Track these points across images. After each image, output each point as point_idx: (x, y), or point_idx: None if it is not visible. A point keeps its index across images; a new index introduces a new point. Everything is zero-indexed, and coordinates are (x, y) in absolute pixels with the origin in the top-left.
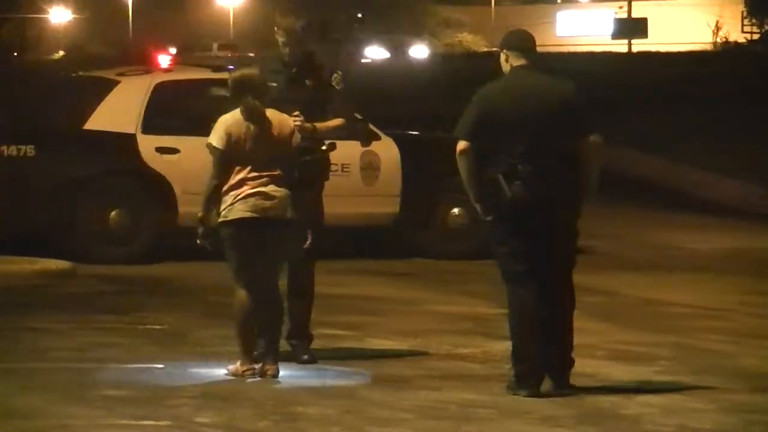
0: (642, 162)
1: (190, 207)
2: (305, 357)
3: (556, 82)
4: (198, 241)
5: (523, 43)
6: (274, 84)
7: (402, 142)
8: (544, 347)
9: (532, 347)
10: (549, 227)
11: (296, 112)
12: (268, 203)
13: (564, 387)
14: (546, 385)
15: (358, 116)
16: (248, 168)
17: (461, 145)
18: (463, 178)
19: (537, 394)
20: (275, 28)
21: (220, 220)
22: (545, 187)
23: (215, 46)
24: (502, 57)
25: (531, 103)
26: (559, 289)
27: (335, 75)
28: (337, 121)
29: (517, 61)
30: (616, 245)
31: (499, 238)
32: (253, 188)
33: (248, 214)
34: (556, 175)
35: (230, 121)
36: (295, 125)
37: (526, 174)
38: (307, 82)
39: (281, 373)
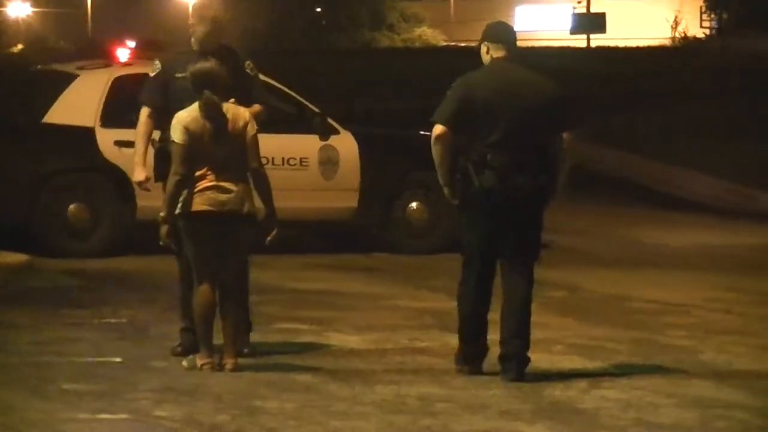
0: (607, 157)
1: (148, 201)
2: (245, 350)
3: (538, 77)
4: (161, 242)
5: (504, 35)
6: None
7: (361, 137)
8: (504, 335)
9: (477, 328)
10: (516, 218)
11: (232, 100)
12: (224, 197)
13: (519, 378)
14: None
15: (316, 109)
16: (206, 165)
17: (438, 129)
18: (436, 162)
19: (479, 371)
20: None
21: (177, 212)
22: (516, 179)
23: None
24: (483, 48)
25: (510, 95)
26: (521, 281)
27: (247, 63)
28: (257, 107)
29: (498, 53)
30: (582, 240)
31: (467, 223)
32: (210, 182)
33: (204, 207)
34: (527, 168)
35: (188, 118)
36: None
37: (497, 164)
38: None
39: (240, 366)
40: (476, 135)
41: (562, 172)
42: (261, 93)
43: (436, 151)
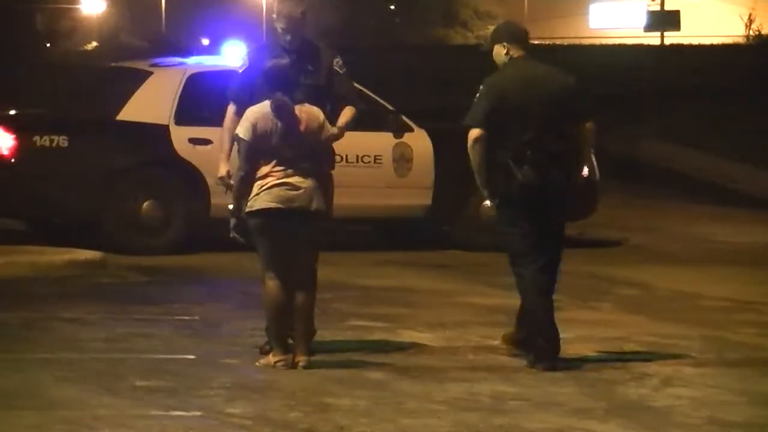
0: (676, 155)
1: (221, 198)
2: (267, 347)
3: (557, 72)
4: (231, 234)
5: (523, 34)
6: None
7: (435, 134)
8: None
9: (545, 321)
10: (555, 209)
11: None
12: (292, 193)
13: (559, 362)
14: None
15: (390, 107)
16: (274, 160)
17: (475, 132)
18: (474, 164)
19: (555, 367)
20: (274, 15)
21: (246, 210)
22: (552, 172)
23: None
24: (502, 49)
25: (537, 91)
26: (554, 271)
27: (336, 59)
28: (349, 111)
29: (518, 52)
30: (650, 238)
31: (508, 220)
32: (278, 179)
33: (273, 205)
34: (561, 159)
35: (258, 114)
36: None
37: (534, 158)
38: (309, 67)
39: (312, 363)
40: (510, 133)
41: (588, 159)
42: (350, 91)
43: (475, 153)
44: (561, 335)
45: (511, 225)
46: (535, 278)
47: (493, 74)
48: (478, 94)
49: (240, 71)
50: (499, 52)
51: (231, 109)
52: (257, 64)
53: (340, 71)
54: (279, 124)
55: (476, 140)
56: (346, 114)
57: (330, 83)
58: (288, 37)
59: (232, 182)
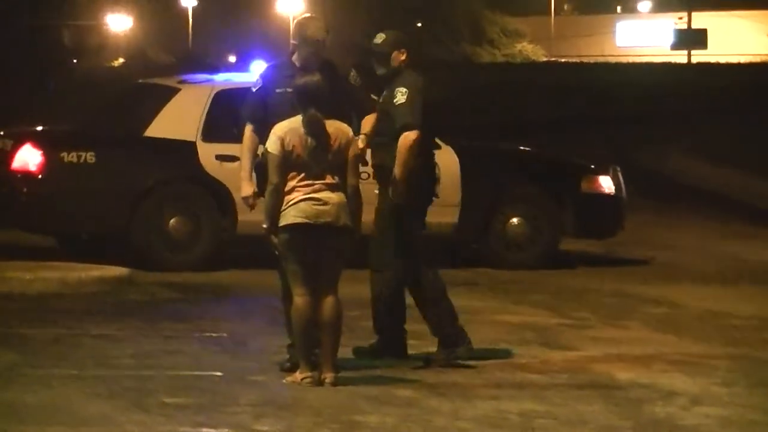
0: (704, 172)
1: (249, 215)
2: (288, 364)
3: None
4: (276, 252)
5: (417, 44)
6: (289, 89)
7: (462, 152)
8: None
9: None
10: None
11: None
12: (320, 209)
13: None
14: None
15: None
16: (302, 175)
17: (416, 134)
18: (409, 164)
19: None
20: (294, 41)
21: None
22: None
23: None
24: (401, 55)
25: (434, 96)
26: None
27: (351, 74)
28: (370, 120)
29: (410, 60)
30: (678, 256)
31: (420, 220)
32: (305, 194)
33: (299, 220)
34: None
35: (286, 128)
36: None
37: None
38: (329, 83)
39: (339, 380)
40: (428, 135)
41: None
42: (365, 100)
43: (413, 155)
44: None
45: (421, 226)
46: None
47: (409, 76)
48: (405, 96)
49: (254, 90)
50: (398, 57)
51: (248, 128)
52: (270, 84)
53: (355, 83)
54: (309, 139)
55: (417, 142)
56: (368, 123)
57: (347, 99)
58: (304, 54)
59: (255, 202)
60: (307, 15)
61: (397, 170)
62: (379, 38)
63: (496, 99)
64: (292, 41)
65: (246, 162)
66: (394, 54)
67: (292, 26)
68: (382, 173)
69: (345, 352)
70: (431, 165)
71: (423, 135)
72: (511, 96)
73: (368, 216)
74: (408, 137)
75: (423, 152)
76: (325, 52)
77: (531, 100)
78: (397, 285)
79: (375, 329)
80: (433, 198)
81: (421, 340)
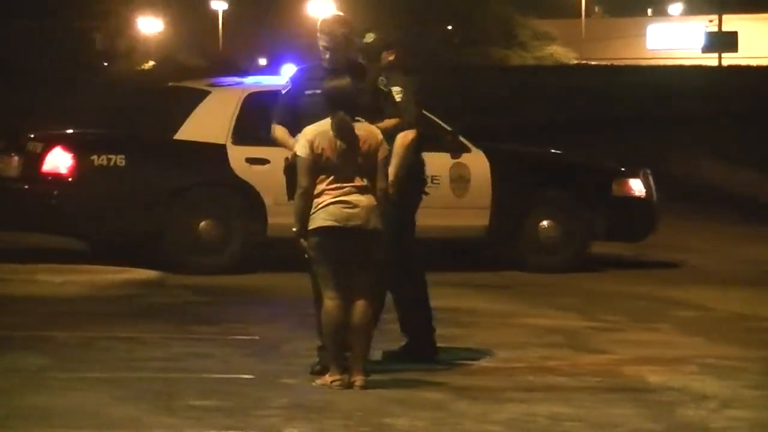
0: (735, 176)
1: (279, 218)
2: (318, 367)
3: None
4: (306, 256)
5: (406, 47)
6: (318, 91)
7: (492, 154)
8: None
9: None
10: None
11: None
12: (349, 212)
13: None
14: None
15: (448, 127)
16: (331, 178)
17: (414, 133)
18: (406, 162)
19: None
20: (318, 34)
21: None
22: None
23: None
24: (390, 56)
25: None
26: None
27: (380, 79)
28: (392, 120)
29: (398, 61)
30: (709, 259)
31: (411, 220)
32: (334, 197)
33: (329, 223)
34: None
35: (315, 131)
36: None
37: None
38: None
39: (369, 383)
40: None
41: None
42: (395, 110)
43: (411, 152)
44: (619, 356)
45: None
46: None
47: (399, 77)
48: (400, 95)
49: (284, 93)
50: (386, 57)
51: (278, 128)
52: (300, 87)
53: (385, 90)
54: (338, 142)
55: (413, 140)
56: (391, 123)
57: (375, 103)
58: (327, 55)
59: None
60: (333, 13)
61: (395, 169)
62: (369, 37)
63: (526, 101)
64: (319, 38)
65: (290, 141)
66: (384, 54)
67: (318, 26)
68: None
69: (374, 355)
70: (421, 165)
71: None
72: (541, 99)
73: None
74: (407, 136)
75: (415, 152)
76: (350, 52)
77: (560, 103)
78: (416, 284)
79: (402, 330)
80: (423, 196)
81: (450, 343)
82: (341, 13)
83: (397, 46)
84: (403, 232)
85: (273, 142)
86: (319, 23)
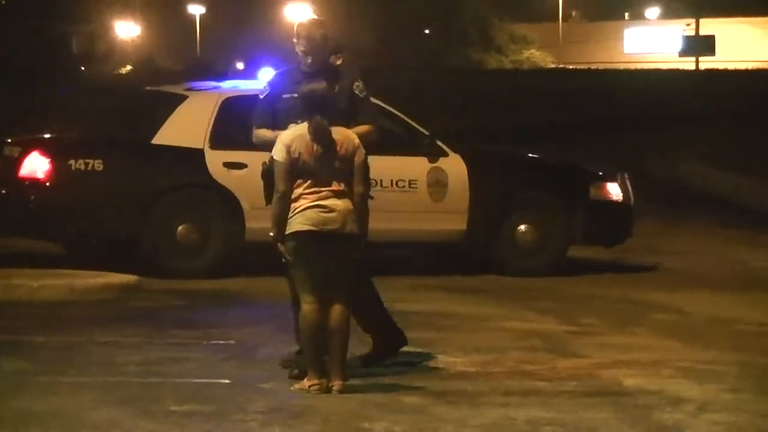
0: (712, 178)
1: (257, 222)
2: (296, 372)
3: None
4: (283, 260)
5: (348, 52)
6: (296, 95)
7: (470, 158)
8: None
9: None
10: None
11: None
12: (326, 216)
13: None
14: None
15: (425, 131)
16: (308, 182)
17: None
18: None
19: None
20: (294, 39)
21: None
22: None
23: None
24: (338, 60)
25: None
26: None
27: (357, 83)
28: (364, 128)
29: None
30: (686, 262)
31: None
32: (311, 201)
33: (306, 227)
34: None
35: (292, 135)
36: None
37: None
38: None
39: (348, 388)
40: None
41: None
42: (369, 115)
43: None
44: (596, 360)
45: None
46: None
47: (357, 74)
48: (364, 94)
49: (262, 97)
50: (334, 61)
51: (259, 129)
52: (278, 90)
53: (360, 95)
54: (315, 146)
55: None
56: (363, 129)
57: (350, 106)
58: (309, 60)
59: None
60: (309, 17)
61: None
62: None
63: (503, 105)
64: (294, 41)
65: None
66: (332, 59)
67: (294, 29)
68: None
69: (352, 359)
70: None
71: None
72: (518, 102)
73: (375, 223)
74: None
75: None
76: (326, 55)
77: (538, 106)
78: (365, 286)
79: (365, 331)
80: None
81: (428, 348)
82: (317, 17)
83: (343, 50)
84: None
85: (251, 146)
86: (296, 27)
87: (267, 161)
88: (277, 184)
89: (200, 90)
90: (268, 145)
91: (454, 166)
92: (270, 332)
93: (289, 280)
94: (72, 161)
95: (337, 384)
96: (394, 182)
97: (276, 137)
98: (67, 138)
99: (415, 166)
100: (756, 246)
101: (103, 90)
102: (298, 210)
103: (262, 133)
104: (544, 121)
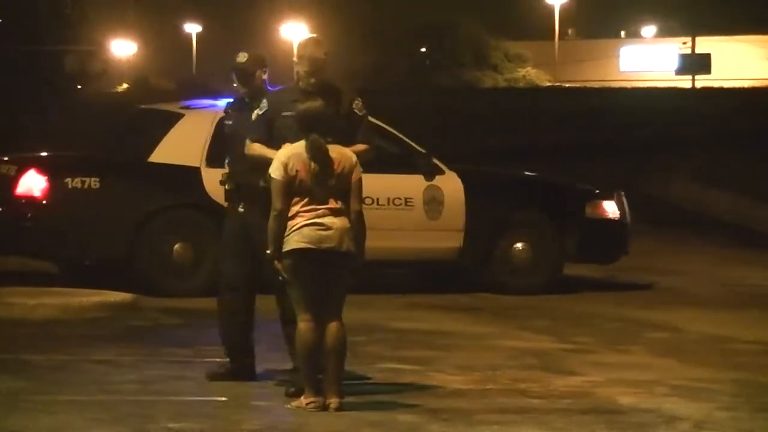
0: (707, 197)
1: None
2: (292, 389)
3: None
4: (280, 278)
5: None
6: (293, 114)
7: (466, 177)
8: None
9: None
10: None
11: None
12: (323, 234)
13: None
14: None
15: (421, 150)
16: (305, 200)
17: None
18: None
19: None
20: (295, 59)
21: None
22: None
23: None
24: (263, 74)
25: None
26: None
27: (356, 102)
28: (362, 147)
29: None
30: (681, 281)
31: None
32: (308, 219)
33: (303, 245)
34: None
35: (290, 152)
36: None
37: None
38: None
39: (344, 405)
40: None
41: None
42: (367, 133)
43: None
44: (591, 378)
45: None
46: None
47: (356, 93)
48: (363, 112)
49: (260, 114)
50: (260, 76)
51: (253, 144)
52: (276, 108)
53: (359, 113)
54: (312, 164)
55: None
56: (359, 149)
57: (349, 125)
58: (312, 80)
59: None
60: (309, 36)
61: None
62: (243, 57)
63: (499, 124)
64: (294, 61)
65: (270, 152)
66: (258, 73)
67: (295, 49)
68: (250, 192)
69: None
70: None
71: None
72: (514, 121)
73: (372, 241)
74: None
75: None
76: (325, 73)
77: (534, 125)
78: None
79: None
80: None
81: (424, 366)
82: (315, 35)
83: (267, 65)
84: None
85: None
86: (297, 48)
87: (264, 180)
88: (274, 203)
89: (196, 108)
90: (259, 160)
91: (451, 184)
92: (265, 350)
93: (278, 297)
94: (69, 179)
95: (333, 402)
96: (390, 200)
97: (269, 153)
98: (63, 156)
99: (412, 184)
100: (750, 265)
101: (99, 108)
102: (295, 228)
103: (257, 147)
104: (538, 140)
